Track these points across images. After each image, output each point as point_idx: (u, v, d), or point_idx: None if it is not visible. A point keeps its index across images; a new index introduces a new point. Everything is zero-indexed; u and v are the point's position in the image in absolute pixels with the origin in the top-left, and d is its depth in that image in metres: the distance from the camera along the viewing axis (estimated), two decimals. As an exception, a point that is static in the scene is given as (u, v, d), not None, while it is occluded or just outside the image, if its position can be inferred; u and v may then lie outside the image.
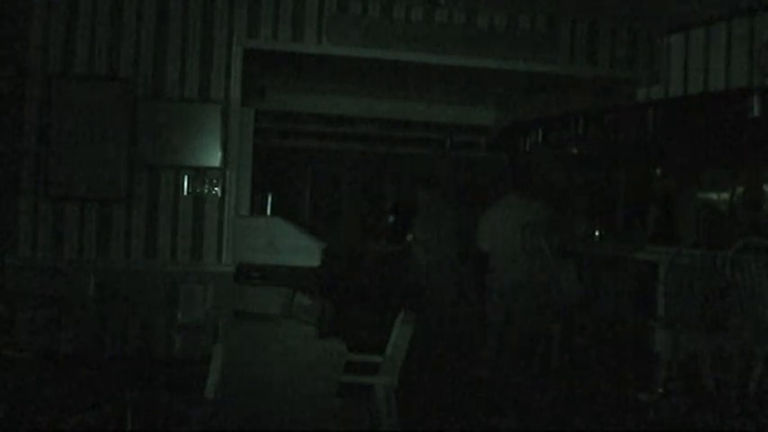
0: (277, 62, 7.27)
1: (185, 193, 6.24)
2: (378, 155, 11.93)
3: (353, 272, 10.29)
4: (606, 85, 7.64)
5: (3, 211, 5.95)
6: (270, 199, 7.20)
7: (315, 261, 6.30)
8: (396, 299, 8.43)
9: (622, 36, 7.03)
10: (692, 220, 7.26)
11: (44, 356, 5.79)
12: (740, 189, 6.83)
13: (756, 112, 6.37)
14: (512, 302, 6.75)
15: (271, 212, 7.11)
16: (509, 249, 6.81)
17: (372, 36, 6.47)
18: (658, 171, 7.78)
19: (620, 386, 6.16)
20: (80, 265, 6.06)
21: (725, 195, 6.99)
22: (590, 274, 7.17)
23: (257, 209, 7.04)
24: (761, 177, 6.60)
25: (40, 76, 6.03)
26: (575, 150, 9.15)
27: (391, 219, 11.35)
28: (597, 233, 7.94)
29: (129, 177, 6.14)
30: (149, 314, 6.16)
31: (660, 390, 5.57)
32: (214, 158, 6.24)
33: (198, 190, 6.25)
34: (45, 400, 4.51)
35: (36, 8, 6.04)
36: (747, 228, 6.50)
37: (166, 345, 6.18)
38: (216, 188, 6.26)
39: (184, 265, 6.21)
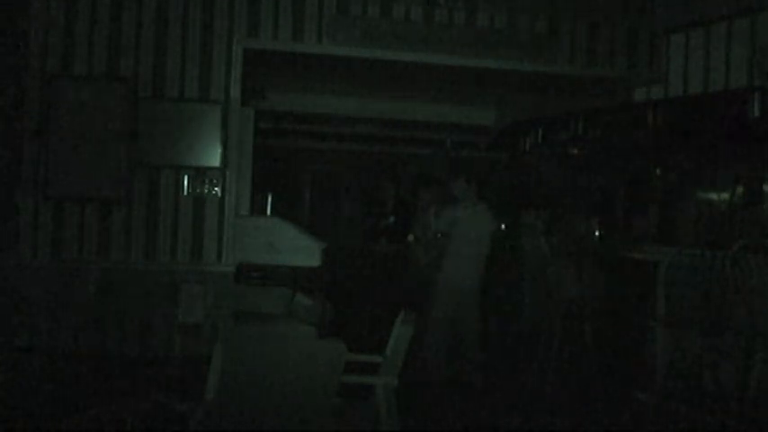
0: (277, 62, 7.27)
1: (185, 193, 6.24)
2: (378, 155, 11.93)
3: (353, 272, 10.28)
4: (606, 85, 7.64)
5: (3, 211, 5.95)
6: (270, 199, 7.19)
7: (315, 261, 6.30)
8: (396, 299, 8.43)
9: (622, 36, 7.04)
10: (692, 220, 7.25)
11: (45, 356, 5.81)
12: (740, 189, 6.82)
13: (756, 112, 6.37)
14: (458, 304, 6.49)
15: (271, 212, 7.11)
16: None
17: (372, 36, 6.47)
18: (658, 171, 7.77)
19: (620, 386, 6.15)
20: (80, 265, 6.06)
21: (725, 195, 6.99)
22: (590, 274, 7.16)
23: (257, 209, 7.03)
24: (761, 177, 6.59)
25: (40, 76, 6.04)
26: (575, 150, 9.14)
27: (391, 219, 11.34)
28: (597, 233, 7.93)
29: (129, 177, 6.14)
30: (149, 314, 6.16)
31: (660, 390, 5.56)
32: (214, 158, 6.25)
33: (198, 190, 6.25)
34: (45, 400, 4.51)
35: (36, 8, 6.04)
36: (747, 228, 6.49)
37: (166, 345, 6.19)
38: (216, 188, 6.26)
39: (184, 265, 6.21)
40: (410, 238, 8.06)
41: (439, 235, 6.44)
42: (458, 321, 6.43)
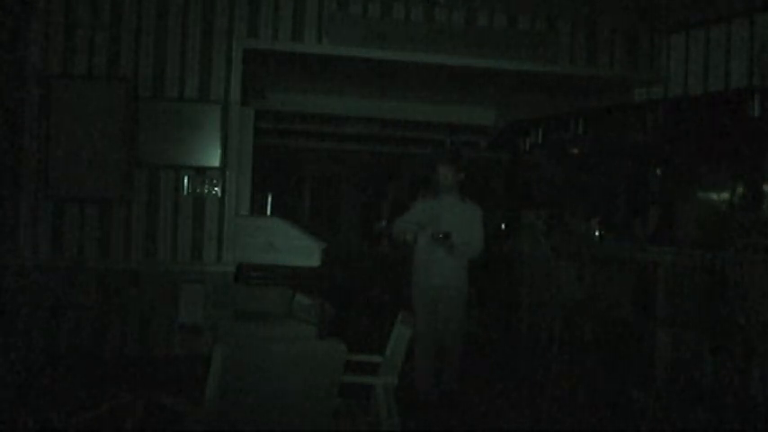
0: (277, 62, 7.27)
1: (185, 193, 6.24)
2: (378, 155, 11.94)
3: (353, 276, 10.27)
4: (606, 85, 7.64)
5: (3, 211, 5.95)
6: (270, 199, 7.20)
7: (315, 261, 6.30)
8: (396, 301, 8.44)
9: (622, 36, 7.04)
10: (692, 220, 7.26)
11: (44, 356, 5.81)
12: (740, 189, 6.83)
13: (756, 112, 6.37)
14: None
15: (271, 212, 7.11)
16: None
17: (372, 36, 6.47)
18: (658, 171, 7.78)
19: (620, 386, 6.16)
20: (80, 265, 6.06)
21: (725, 195, 7.00)
22: (590, 274, 7.17)
23: (257, 209, 7.03)
24: (761, 177, 6.60)
25: (40, 76, 6.04)
26: (575, 150, 9.15)
27: (383, 224, 11.30)
28: (597, 233, 7.95)
29: (129, 177, 6.14)
30: (149, 314, 6.16)
31: (660, 390, 5.57)
32: (214, 158, 6.25)
33: (198, 190, 6.25)
34: (45, 400, 4.51)
35: (36, 8, 6.04)
36: (747, 228, 6.50)
37: (166, 345, 6.19)
38: (216, 188, 6.26)
39: (184, 265, 6.21)
40: (409, 237, 8.04)
41: (442, 234, 5.70)
42: (437, 328, 5.81)
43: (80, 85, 6.07)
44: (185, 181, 6.24)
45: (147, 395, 4.11)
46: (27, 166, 6.03)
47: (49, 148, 6.02)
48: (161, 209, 6.21)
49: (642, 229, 7.73)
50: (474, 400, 5.98)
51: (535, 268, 7.60)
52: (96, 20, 6.11)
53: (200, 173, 6.25)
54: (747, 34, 6.47)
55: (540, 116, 9.40)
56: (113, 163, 6.10)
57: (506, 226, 10.00)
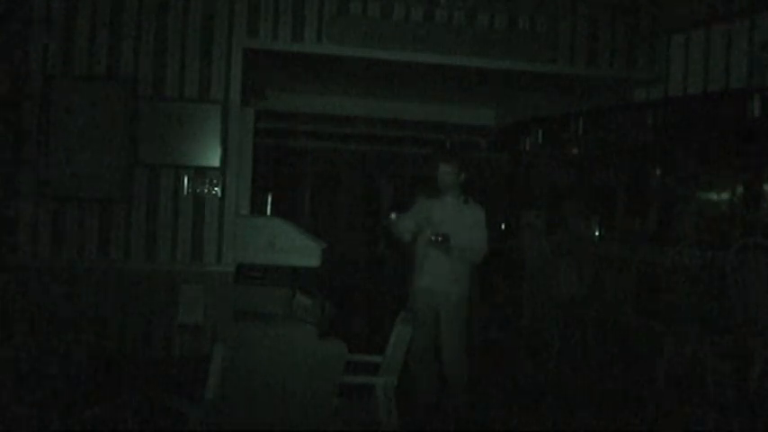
0: (277, 62, 7.27)
1: (185, 193, 6.25)
2: (378, 155, 11.92)
3: (353, 276, 10.26)
4: (606, 85, 7.64)
5: (3, 211, 5.95)
6: (270, 199, 7.20)
7: (315, 261, 6.30)
8: (397, 304, 8.42)
9: (622, 36, 7.04)
10: (692, 220, 7.26)
11: (43, 356, 5.80)
12: (740, 189, 6.83)
13: (756, 112, 6.37)
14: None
15: (271, 212, 7.12)
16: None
17: (372, 36, 6.47)
18: (658, 171, 7.78)
19: (621, 386, 6.16)
20: (80, 265, 6.06)
21: (725, 195, 7.00)
22: (590, 274, 7.17)
23: (257, 209, 7.04)
24: (761, 177, 6.60)
25: (40, 76, 6.04)
26: (575, 150, 9.14)
27: (392, 217, 11.24)
28: (597, 233, 7.95)
29: (129, 177, 6.14)
30: (149, 314, 6.17)
31: (660, 390, 5.57)
32: (214, 158, 6.25)
33: (198, 190, 6.25)
34: (46, 400, 4.51)
35: (36, 8, 6.04)
36: (747, 228, 6.50)
37: (166, 345, 6.19)
38: (216, 188, 6.26)
39: (184, 265, 6.21)
40: (407, 237, 8.00)
41: (441, 237, 5.21)
42: (433, 334, 5.37)
43: (80, 86, 6.08)
44: (185, 181, 6.24)
45: (147, 395, 4.11)
46: (27, 166, 6.04)
47: (49, 148, 6.02)
48: (161, 209, 6.21)
49: (642, 228, 7.73)
50: (474, 400, 5.98)
51: (535, 268, 7.59)
52: (96, 20, 6.12)
53: (200, 173, 6.25)
54: (747, 34, 6.47)
55: (540, 116, 9.40)
56: (113, 163, 6.11)
57: (506, 226, 10.00)
